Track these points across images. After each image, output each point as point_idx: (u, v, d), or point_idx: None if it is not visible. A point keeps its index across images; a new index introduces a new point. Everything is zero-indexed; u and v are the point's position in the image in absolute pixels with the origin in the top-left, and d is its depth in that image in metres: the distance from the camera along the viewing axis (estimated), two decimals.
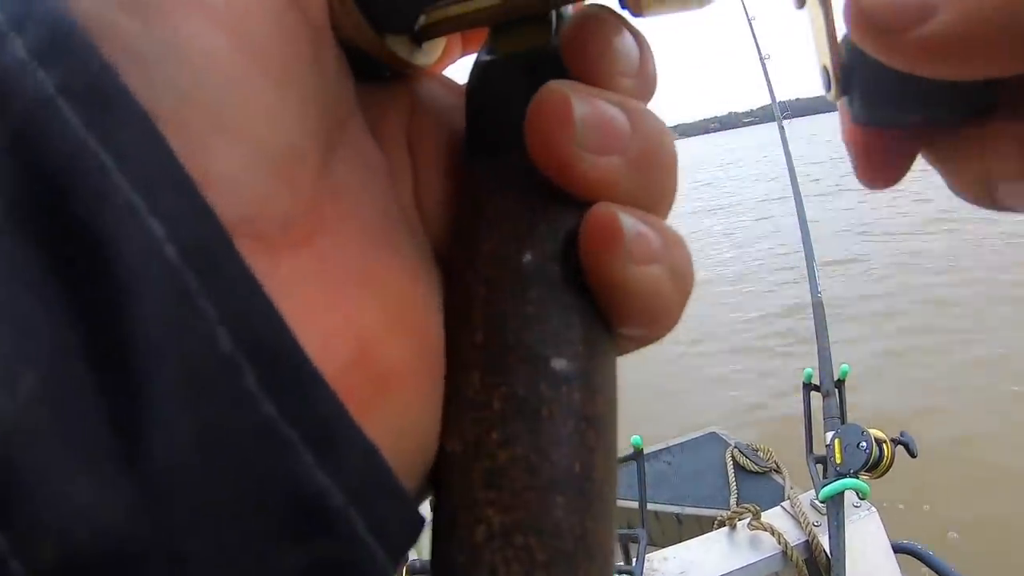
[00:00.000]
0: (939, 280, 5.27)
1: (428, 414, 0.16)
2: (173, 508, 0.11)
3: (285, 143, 0.14)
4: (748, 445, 1.91)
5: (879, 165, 0.21)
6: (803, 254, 1.92)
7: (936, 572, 1.30)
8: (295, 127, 0.14)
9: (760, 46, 2.68)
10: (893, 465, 1.29)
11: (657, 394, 3.99)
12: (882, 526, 1.32)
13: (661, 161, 0.17)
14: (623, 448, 1.50)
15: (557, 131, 0.16)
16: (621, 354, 0.18)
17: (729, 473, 1.82)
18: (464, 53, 0.22)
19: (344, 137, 0.16)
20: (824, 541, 1.28)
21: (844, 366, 1.48)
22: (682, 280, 0.17)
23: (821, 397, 1.48)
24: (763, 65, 2.62)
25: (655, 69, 0.18)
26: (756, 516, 1.35)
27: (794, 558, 1.28)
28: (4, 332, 0.10)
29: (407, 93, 0.20)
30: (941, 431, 3.03)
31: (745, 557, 1.31)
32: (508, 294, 0.16)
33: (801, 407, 1.51)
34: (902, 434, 1.32)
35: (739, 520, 1.37)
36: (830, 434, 1.36)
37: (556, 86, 0.16)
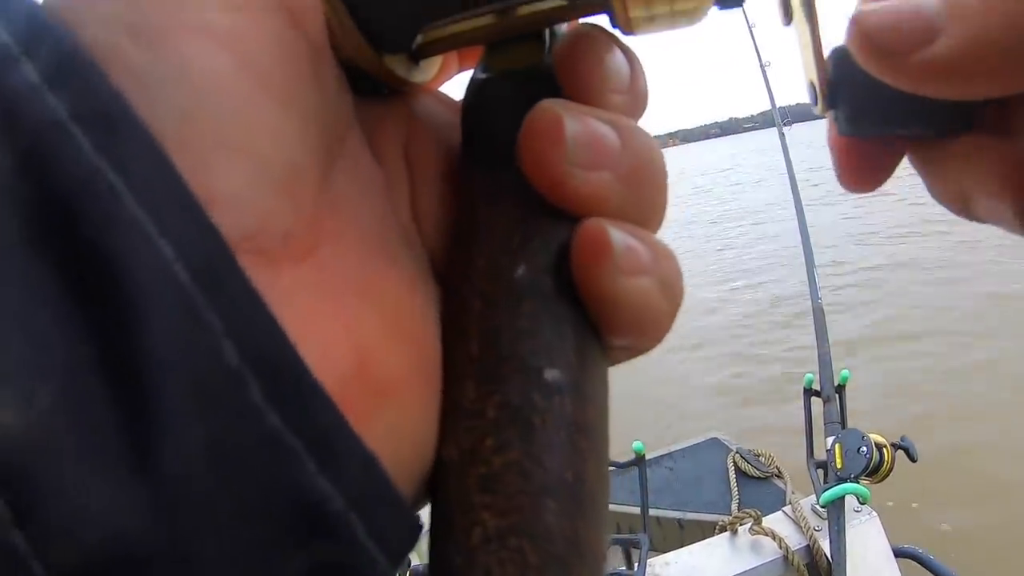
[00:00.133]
0: (935, 283, 5.27)
1: (425, 422, 0.16)
2: (183, 514, 0.11)
3: (287, 161, 0.14)
4: (750, 451, 1.91)
5: (861, 171, 0.21)
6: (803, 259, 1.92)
7: None
8: (296, 145, 0.15)
9: (760, 53, 2.68)
10: (893, 470, 1.29)
11: (657, 397, 3.99)
12: (883, 530, 1.32)
13: (651, 176, 0.17)
14: (625, 454, 1.50)
15: (549, 149, 0.16)
16: (613, 364, 0.18)
17: (731, 478, 1.82)
18: (460, 69, 0.22)
19: (343, 152, 0.17)
20: (825, 546, 1.28)
21: (844, 371, 1.48)
22: (671, 292, 0.17)
23: (822, 402, 1.49)
24: (763, 72, 2.62)
25: (646, 86, 0.19)
26: (757, 521, 1.35)
27: (795, 563, 1.29)
28: (23, 347, 0.11)
29: (405, 109, 0.20)
30: (939, 436, 3.02)
31: (746, 562, 1.32)
32: (502, 307, 0.16)
33: (802, 412, 1.51)
34: (902, 439, 1.32)
35: (740, 525, 1.37)
36: (831, 439, 1.37)
37: (548, 105, 0.17)
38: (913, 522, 2.49)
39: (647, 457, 1.50)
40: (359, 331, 0.15)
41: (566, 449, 0.15)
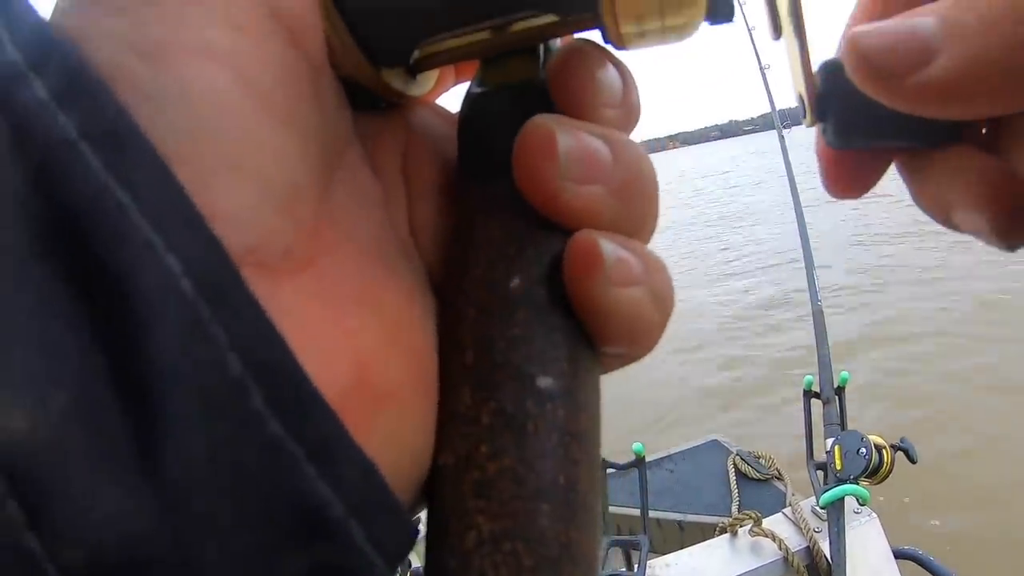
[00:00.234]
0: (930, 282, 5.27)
1: (422, 430, 0.16)
2: (187, 517, 0.11)
3: (287, 177, 0.15)
4: (750, 452, 1.91)
5: (847, 179, 0.21)
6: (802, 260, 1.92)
7: None
8: (297, 161, 0.15)
9: (760, 56, 2.69)
10: (893, 471, 1.29)
11: (657, 399, 3.99)
12: (883, 532, 1.32)
13: (642, 189, 0.18)
14: (625, 455, 1.50)
15: (542, 164, 0.17)
16: (605, 372, 0.18)
17: (731, 480, 1.82)
18: (457, 82, 0.22)
19: (342, 166, 0.17)
20: (825, 547, 1.28)
21: (844, 373, 1.48)
22: (662, 302, 0.17)
23: (821, 404, 1.49)
24: (763, 75, 2.63)
25: (638, 100, 0.19)
26: (757, 523, 1.35)
27: (795, 564, 1.29)
28: (37, 356, 0.11)
29: (402, 122, 0.21)
30: (938, 438, 3.02)
31: (746, 563, 1.31)
32: (496, 316, 0.17)
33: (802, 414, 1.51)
34: (902, 440, 1.32)
35: (740, 527, 1.37)
36: (830, 441, 1.37)
37: (541, 120, 0.17)
38: (911, 522, 2.49)
39: (647, 459, 1.50)
40: (358, 341, 0.15)
41: (559, 455, 0.16)
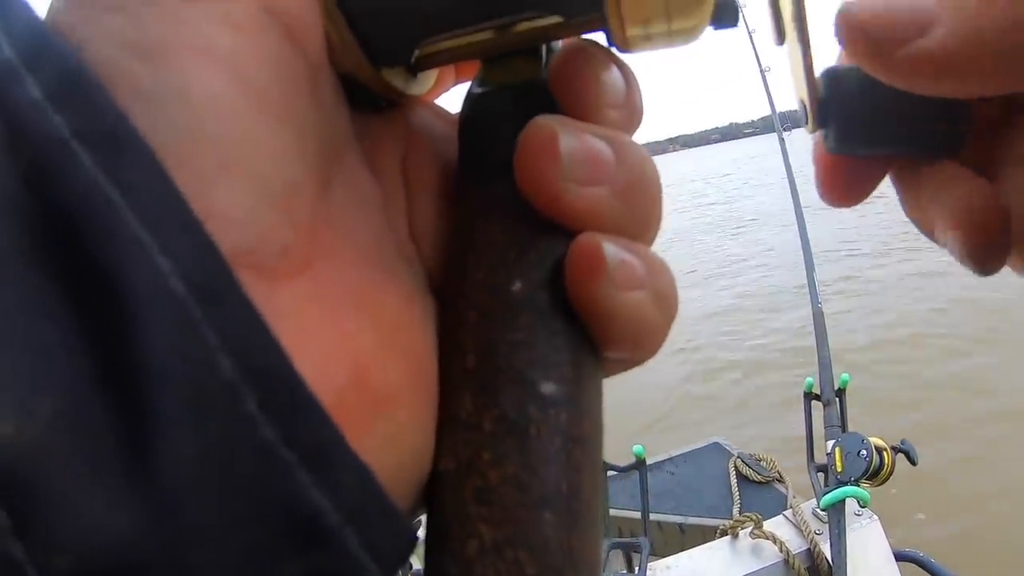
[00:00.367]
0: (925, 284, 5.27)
1: (421, 434, 0.16)
2: (178, 524, 0.11)
3: (284, 178, 0.14)
4: (751, 455, 1.91)
5: (843, 187, 0.22)
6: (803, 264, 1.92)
7: None
8: (294, 162, 0.15)
9: (760, 59, 2.69)
10: (894, 473, 1.29)
11: (656, 401, 3.99)
12: (884, 534, 1.32)
13: (645, 191, 0.18)
14: (626, 458, 1.50)
15: (544, 165, 0.16)
16: (607, 376, 0.18)
17: (732, 483, 1.82)
18: (457, 82, 0.22)
19: (340, 167, 0.17)
20: (826, 549, 1.28)
21: (844, 375, 1.48)
22: (666, 305, 0.17)
23: (822, 406, 1.49)
24: (763, 78, 2.63)
25: (641, 101, 0.19)
26: (758, 525, 1.35)
27: (796, 566, 1.29)
28: (24, 357, 0.11)
29: (401, 122, 0.20)
30: (936, 440, 3.02)
31: (747, 565, 1.31)
32: (498, 320, 0.16)
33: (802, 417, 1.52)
34: (902, 442, 1.32)
35: (741, 529, 1.37)
36: (831, 443, 1.37)
37: (544, 121, 0.17)
38: (913, 524, 2.49)
39: (648, 462, 1.50)
40: (356, 344, 0.15)
41: (562, 461, 0.16)
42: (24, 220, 0.12)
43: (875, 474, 1.28)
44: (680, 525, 1.75)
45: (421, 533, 0.15)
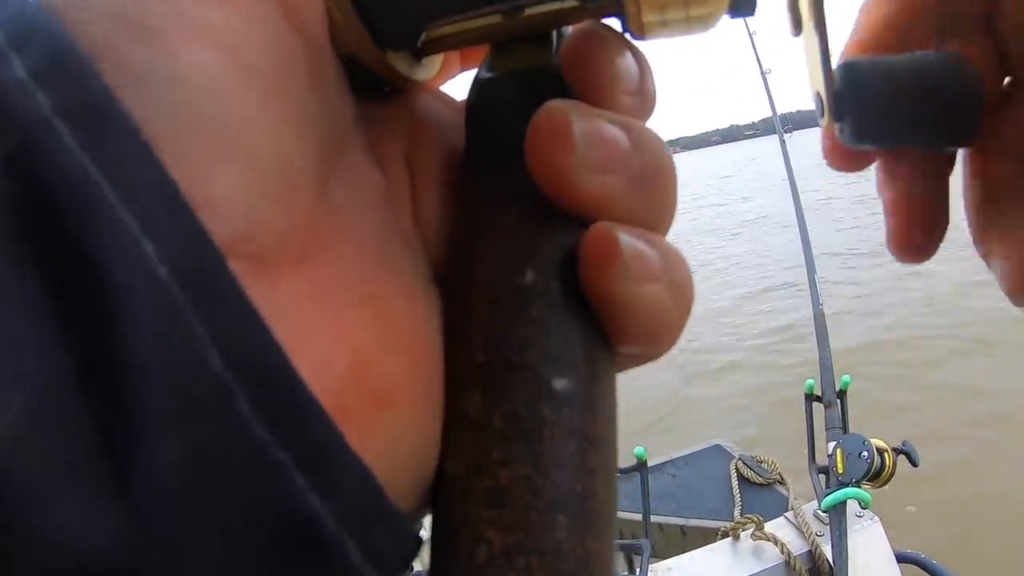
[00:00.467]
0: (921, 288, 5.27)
1: (426, 434, 0.15)
2: (161, 532, 0.11)
3: (283, 163, 0.14)
4: (752, 457, 1.91)
5: (848, 153, 0.22)
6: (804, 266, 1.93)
7: None
8: (293, 147, 0.14)
9: (761, 61, 2.70)
10: (895, 474, 1.30)
11: (657, 403, 3.99)
12: (885, 535, 1.32)
13: (661, 179, 0.17)
14: (627, 460, 1.50)
15: (558, 150, 0.16)
16: (619, 371, 0.18)
17: (733, 485, 1.82)
18: (462, 69, 0.21)
19: (342, 155, 0.16)
20: (827, 550, 1.28)
21: (845, 377, 1.49)
22: (682, 297, 0.17)
23: (823, 408, 1.49)
24: (764, 80, 2.64)
25: (655, 87, 0.18)
26: (759, 526, 1.36)
27: (797, 568, 1.29)
28: None
29: (405, 109, 0.19)
30: (936, 442, 3.02)
31: (748, 567, 1.32)
32: (509, 313, 0.16)
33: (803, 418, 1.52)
34: (903, 443, 1.32)
35: (742, 530, 1.37)
36: (832, 444, 1.37)
37: (557, 104, 0.16)
38: (914, 526, 2.49)
39: (649, 464, 1.50)
40: (357, 339, 0.14)
41: (576, 462, 0.15)
42: (4, 203, 0.11)
43: (876, 475, 1.28)
44: (681, 527, 1.75)
45: (423, 534, 0.15)
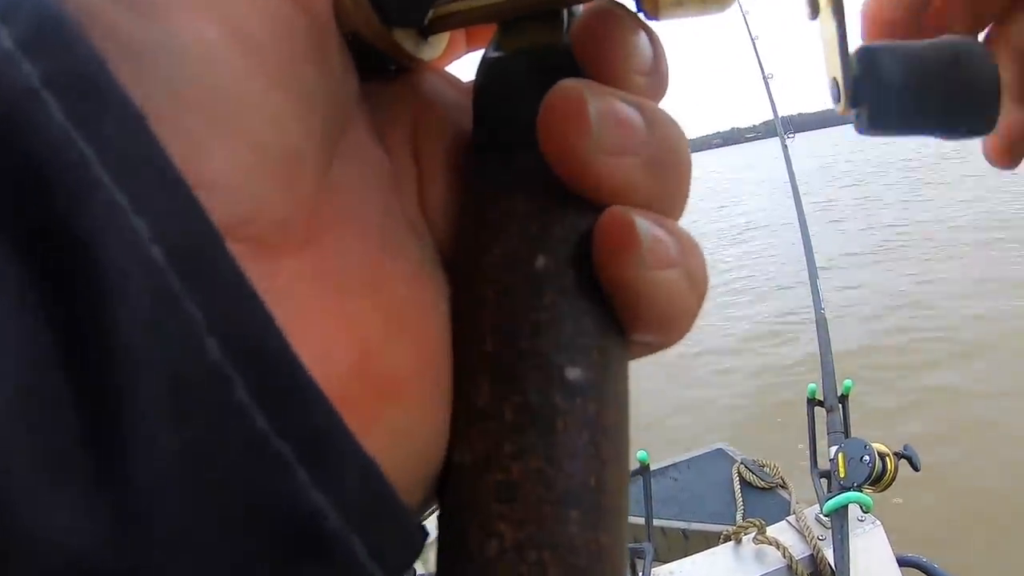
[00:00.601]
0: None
1: (433, 424, 0.15)
2: (154, 532, 0.10)
3: (285, 143, 0.13)
4: (755, 461, 1.91)
5: (1016, 151, 0.22)
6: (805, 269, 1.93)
7: None
8: (295, 126, 0.14)
9: (763, 65, 2.70)
10: (896, 478, 1.30)
11: (658, 405, 3.99)
12: (887, 539, 1.33)
13: (676, 163, 0.16)
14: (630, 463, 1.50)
15: (572, 131, 0.15)
16: (631, 360, 0.17)
17: (735, 489, 1.83)
18: (468, 49, 0.21)
19: (346, 136, 0.16)
20: (829, 554, 1.28)
21: (847, 381, 1.49)
22: (698, 285, 0.16)
23: (825, 412, 1.49)
24: (766, 84, 2.64)
25: (668, 68, 0.17)
26: (761, 530, 1.36)
27: (799, 572, 1.29)
28: None
29: (411, 90, 0.19)
30: (936, 444, 3.02)
31: (750, 571, 1.32)
32: (520, 299, 0.15)
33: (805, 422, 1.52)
34: (905, 447, 1.32)
35: (745, 534, 1.37)
36: (834, 448, 1.37)
37: (570, 84, 0.15)
38: (915, 529, 2.49)
39: (652, 468, 1.51)
40: (361, 326, 0.14)
41: (589, 454, 0.14)
42: None
43: (878, 480, 1.28)
44: (684, 531, 1.75)
45: (431, 532, 0.15)
